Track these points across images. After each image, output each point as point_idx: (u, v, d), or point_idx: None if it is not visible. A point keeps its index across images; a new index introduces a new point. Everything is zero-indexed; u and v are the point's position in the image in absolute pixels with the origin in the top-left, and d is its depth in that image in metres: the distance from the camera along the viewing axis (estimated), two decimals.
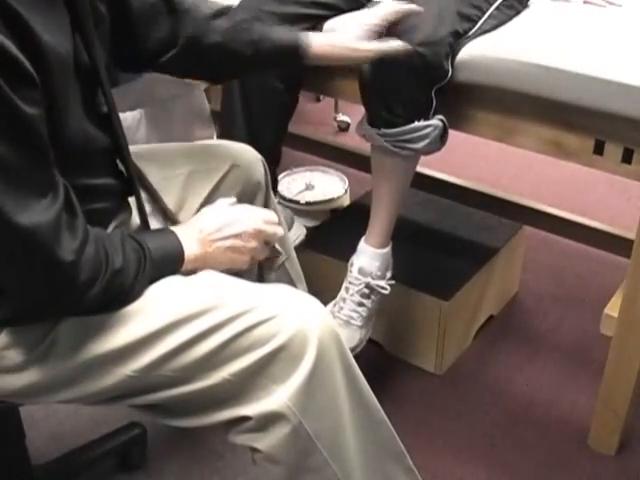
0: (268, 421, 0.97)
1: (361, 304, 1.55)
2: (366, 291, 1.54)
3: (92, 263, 0.92)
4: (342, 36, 1.29)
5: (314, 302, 1.02)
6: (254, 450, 1.00)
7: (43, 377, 1.00)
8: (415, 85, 1.34)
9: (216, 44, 1.21)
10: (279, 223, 1.17)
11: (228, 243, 1.09)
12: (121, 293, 0.97)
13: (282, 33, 1.25)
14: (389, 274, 1.57)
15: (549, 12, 1.55)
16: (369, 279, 1.53)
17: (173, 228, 1.08)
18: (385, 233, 1.54)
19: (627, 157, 1.31)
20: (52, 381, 1.00)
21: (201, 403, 1.00)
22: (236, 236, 1.09)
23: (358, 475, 1.05)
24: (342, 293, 1.56)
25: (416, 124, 1.38)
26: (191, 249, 1.06)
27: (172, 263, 1.04)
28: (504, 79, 1.36)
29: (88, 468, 1.49)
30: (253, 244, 1.11)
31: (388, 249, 1.56)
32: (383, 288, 1.55)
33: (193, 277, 1.05)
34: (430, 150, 1.43)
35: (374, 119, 1.42)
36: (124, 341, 0.97)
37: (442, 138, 1.43)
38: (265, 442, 0.98)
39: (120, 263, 0.95)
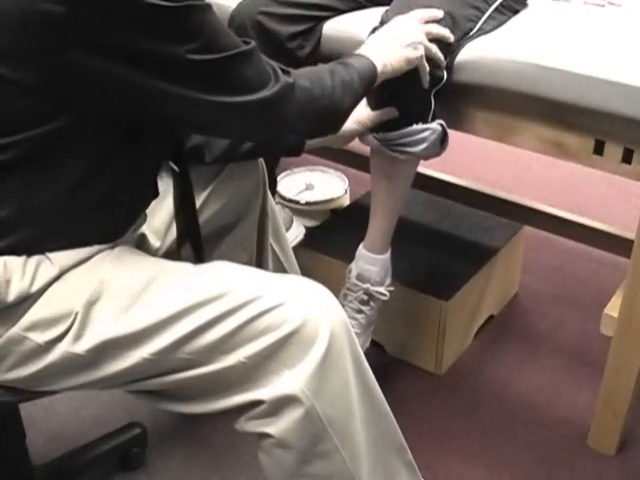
0: (281, 404, 0.98)
1: (360, 311, 1.54)
2: (365, 297, 1.53)
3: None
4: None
5: (324, 290, 1.04)
6: (264, 436, 1.01)
7: (61, 360, 1.01)
8: (412, 88, 1.33)
9: None
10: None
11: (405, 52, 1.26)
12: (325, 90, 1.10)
13: None
14: (388, 280, 1.56)
15: (549, 12, 1.55)
16: (368, 285, 1.52)
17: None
18: (384, 238, 1.53)
19: (627, 157, 1.32)
20: (69, 365, 1.02)
21: (215, 387, 1.02)
22: (408, 45, 1.26)
23: (365, 466, 1.06)
24: (340, 300, 1.54)
25: (414, 127, 1.37)
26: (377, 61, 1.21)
27: (370, 74, 1.20)
28: (504, 79, 1.36)
29: (88, 468, 1.49)
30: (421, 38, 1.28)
31: (387, 255, 1.54)
32: (382, 294, 1.54)
33: (203, 265, 1.08)
34: (429, 155, 1.42)
35: None
36: (137, 326, 0.99)
37: (442, 143, 1.41)
38: (277, 426, 0.99)
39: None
